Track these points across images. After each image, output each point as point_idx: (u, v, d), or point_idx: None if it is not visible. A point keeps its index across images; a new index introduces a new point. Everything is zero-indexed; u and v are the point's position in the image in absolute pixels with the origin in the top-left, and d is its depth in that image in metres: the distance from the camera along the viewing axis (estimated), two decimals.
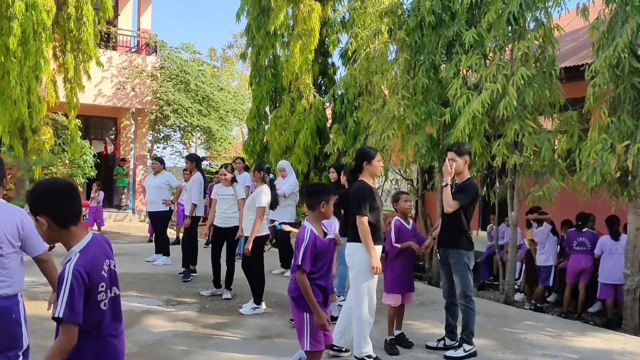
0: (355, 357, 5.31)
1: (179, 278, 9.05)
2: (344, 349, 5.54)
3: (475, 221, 12.20)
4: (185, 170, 10.82)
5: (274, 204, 7.55)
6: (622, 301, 7.78)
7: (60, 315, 2.54)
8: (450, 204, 5.63)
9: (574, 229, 8.82)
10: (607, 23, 7.42)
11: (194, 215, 9.29)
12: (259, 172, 7.44)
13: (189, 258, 9.20)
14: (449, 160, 5.74)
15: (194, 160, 9.70)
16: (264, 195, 7.20)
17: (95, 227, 14.28)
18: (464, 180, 5.77)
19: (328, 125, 13.67)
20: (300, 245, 4.15)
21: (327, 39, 13.72)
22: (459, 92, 8.38)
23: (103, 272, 2.73)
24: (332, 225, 6.56)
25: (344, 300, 7.77)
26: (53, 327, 6.31)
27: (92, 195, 14.36)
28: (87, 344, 2.69)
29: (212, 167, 21.19)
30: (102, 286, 2.72)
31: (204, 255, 9.34)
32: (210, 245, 8.48)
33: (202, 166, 10.66)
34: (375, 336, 5.94)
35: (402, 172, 11.39)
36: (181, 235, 12.26)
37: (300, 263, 4.08)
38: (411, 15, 9.48)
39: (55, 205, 2.65)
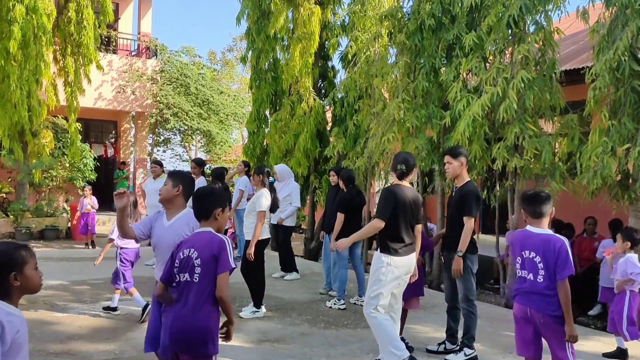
0: None
1: None
2: None
3: (475, 224, 12.17)
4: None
5: (273, 207, 7.53)
6: None
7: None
8: (470, 232, 5.62)
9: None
10: (607, 26, 7.41)
11: None
12: (258, 175, 7.43)
13: None
14: (446, 164, 5.76)
15: (200, 165, 9.72)
16: (264, 199, 7.19)
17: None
18: (463, 184, 5.73)
19: (328, 128, 13.66)
20: (566, 252, 4.09)
21: (327, 42, 13.70)
22: (459, 95, 8.37)
23: (181, 253, 3.67)
24: None
25: (343, 303, 7.79)
26: (52, 330, 6.32)
27: (86, 201, 13.93)
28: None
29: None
30: (177, 263, 3.68)
31: None
32: None
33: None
34: (375, 338, 5.92)
35: None
36: None
37: (569, 271, 4.08)
38: (411, 18, 9.48)
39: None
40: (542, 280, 4.13)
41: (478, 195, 5.74)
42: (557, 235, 4.21)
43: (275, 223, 9.60)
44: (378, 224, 5.15)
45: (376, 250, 5.36)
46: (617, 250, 6.31)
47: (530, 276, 4.18)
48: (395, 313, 5.36)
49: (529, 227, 4.29)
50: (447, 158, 5.75)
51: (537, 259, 4.15)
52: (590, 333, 7.11)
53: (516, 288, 4.34)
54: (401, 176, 5.31)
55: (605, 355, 6.19)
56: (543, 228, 4.24)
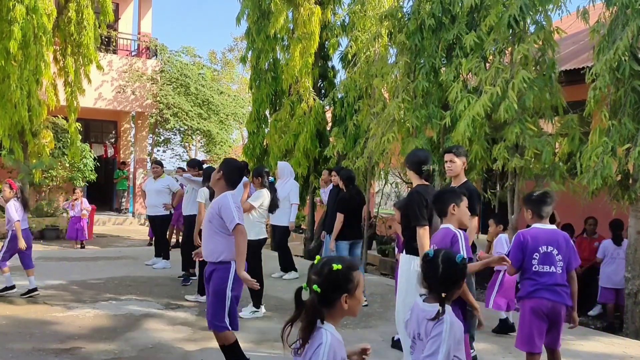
0: None
1: (179, 282, 9.03)
2: None
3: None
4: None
5: (273, 207, 7.56)
6: (623, 305, 7.76)
7: None
8: (474, 231, 5.54)
9: None
10: (607, 26, 7.40)
11: None
12: (257, 178, 7.48)
13: (189, 262, 9.19)
14: (446, 162, 5.72)
15: (196, 166, 9.72)
16: (259, 198, 7.33)
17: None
18: (462, 183, 5.72)
19: (328, 128, 13.65)
20: (572, 243, 4.56)
21: (327, 42, 13.69)
22: (459, 95, 8.35)
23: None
24: None
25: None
26: (52, 330, 6.32)
27: (72, 203, 13.52)
28: None
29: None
30: None
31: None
32: None
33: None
34: (375, 339, 5.92)
35: (402, 175, 11.37)
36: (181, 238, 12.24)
37: (579, 260, 4.57)
38: (411, 18, 9.46)
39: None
40: (560, 271, 4.41)
41: (478, 193, 5.74)
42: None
43: (275, 224, 9.59)
44: (425, 232, 4.81)
45: (402, 252, 5.20)
46: (492, 236, 6.99)
47: (552, 269, 4.40)
48: None
49: (536, 225, 4.51)
50: (450, 156, 5.67)
51: (555, 251, 4.41)
52: (590, 333, 7.09)
53: (536, 283, 4.41)
54: (428, 177, 5.22)
55: (494, 330, 6.76)
56: (549, 225, 4.54)
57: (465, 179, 5.77)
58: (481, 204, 5.96)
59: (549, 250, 4.40)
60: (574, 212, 8.74)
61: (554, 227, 4.54)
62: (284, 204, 9.44)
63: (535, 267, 4.41)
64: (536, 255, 4.42)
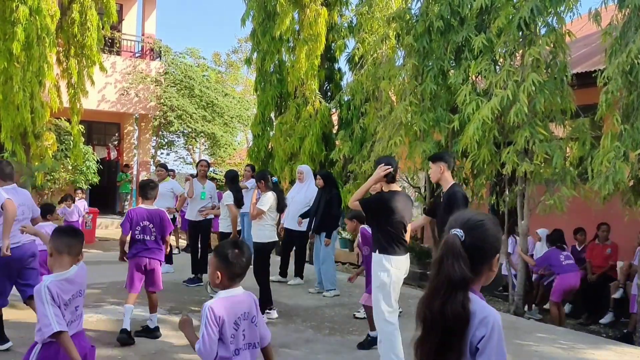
0: None
1: (182, 286, 8.92)
2: None
3: None
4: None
5: (281, 208, 7.48)
6: (635, 313, 7.61)
7: None
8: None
9: (555, 248, 8.54)
10: (619, 29, 7.29)
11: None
12: (261, 181, 7.42)
13: (200, 265, 9.21)
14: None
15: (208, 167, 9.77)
16: (267, 202, 7.23)
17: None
18: (449, 187, 5.72)
19: (334, 131, 13.54)
20: (167, 219, 6.41)
21: (333, 44, 13.61)
22: (468, 98, 8.23)
23: None
24: None
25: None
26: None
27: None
28: None
29: (218, 174, 21.04)
30: None
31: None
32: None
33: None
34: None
35: (409, 179, 11.25)
36: (181, 241, 12.15)
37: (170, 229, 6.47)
38: (419, 20, 9.36)
39: None
40: (154, 238, 6.20)
41: (463, 195, 5.68)
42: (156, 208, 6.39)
43: (294, 229, 9.47)
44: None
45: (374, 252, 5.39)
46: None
47: (148, 237, 6.17)
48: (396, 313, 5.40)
49: (142, 205, 6.38)
50: (429, 164, 5.90)
51: (150, 225, 6.18)
52: (602, 342, 6.96)
53: (138, 246, 6.15)
54: (392, 180, 5.67)
55: None
56: (152, 205, 6.35)
57: (452, 183, 5.77)
58: (468, 204, 5.89)
59: (147, 225, 6.15)
60: (586, 218, 8.62)
61: (154, 207, 6.33)
62: (305, 209, 9.29)
63: (138, 236, 6.14)
64: (138, 228, 6.13)
